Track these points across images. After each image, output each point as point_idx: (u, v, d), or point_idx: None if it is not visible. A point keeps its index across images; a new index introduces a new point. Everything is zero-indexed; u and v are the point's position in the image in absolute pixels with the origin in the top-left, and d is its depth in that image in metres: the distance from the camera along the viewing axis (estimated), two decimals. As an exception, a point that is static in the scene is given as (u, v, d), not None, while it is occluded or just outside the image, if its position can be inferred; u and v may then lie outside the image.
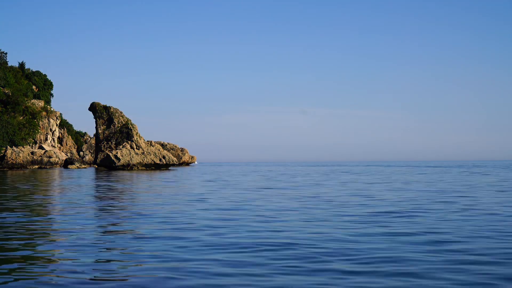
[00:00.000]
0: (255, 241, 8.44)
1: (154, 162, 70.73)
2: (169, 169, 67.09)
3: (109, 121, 77.41)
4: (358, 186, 24.88)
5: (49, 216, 12.50)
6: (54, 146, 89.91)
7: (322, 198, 17.22)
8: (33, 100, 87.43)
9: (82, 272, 6.38)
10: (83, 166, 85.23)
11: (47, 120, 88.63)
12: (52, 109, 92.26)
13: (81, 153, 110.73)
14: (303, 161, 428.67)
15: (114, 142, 75.35)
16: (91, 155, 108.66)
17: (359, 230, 9.61)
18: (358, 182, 29.31)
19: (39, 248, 8.04)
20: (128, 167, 68.13)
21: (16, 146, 76.71)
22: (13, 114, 79.00)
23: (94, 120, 78.43)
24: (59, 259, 7.16)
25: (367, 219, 11.38)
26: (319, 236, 8.90)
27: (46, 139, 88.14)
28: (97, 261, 7.01)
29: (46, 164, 77.57)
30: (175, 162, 73.61)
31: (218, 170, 68.06)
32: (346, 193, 19.50)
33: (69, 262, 6.96)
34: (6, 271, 6.47)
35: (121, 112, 78.58)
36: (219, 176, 40.78)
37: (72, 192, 20.83)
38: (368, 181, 29.81)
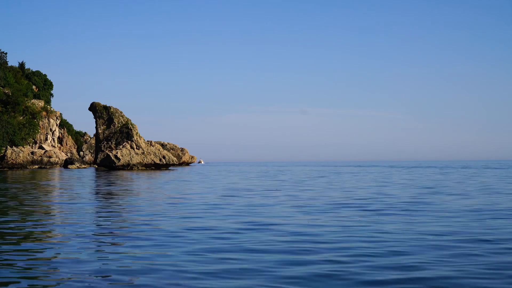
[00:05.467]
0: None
1: (154, 162, 70.73)
2: (169, 169, 67.11)
3: (109, 121, 77.36)
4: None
5: (46, 219, 12.49)
6: (54, 146, 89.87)
7: None
8: (33, 100, 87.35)
9: (82, 275, 6.38)
10: (83, 166, 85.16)
11: (47, 120, 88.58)
12: (52, 109, 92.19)
13: (81, 153, 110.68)
14: (304, 161, 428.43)
15: (114, 142, 75.29)
16: (91, 155, 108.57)
17: None
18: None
19: (38, 250, 8.04)
20: (128, 167, 68.14)
21: (16, 146, 76.69)
22: (13, 114, 78.98)
23: (94, 120, 78.40)
24: (58, 261, 7.17)
25: None
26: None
27: (46, 139, 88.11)
28: (96, 261, 7.02)
29: (46, 164, 77.53)
30: (175, 162, 73.64)
31: (220, 172, 67.89)
32: None
33: (68, 263, 6.97)
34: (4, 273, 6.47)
35: (121, 112, 78.55)
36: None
37: (71, 194, 20.82)
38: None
